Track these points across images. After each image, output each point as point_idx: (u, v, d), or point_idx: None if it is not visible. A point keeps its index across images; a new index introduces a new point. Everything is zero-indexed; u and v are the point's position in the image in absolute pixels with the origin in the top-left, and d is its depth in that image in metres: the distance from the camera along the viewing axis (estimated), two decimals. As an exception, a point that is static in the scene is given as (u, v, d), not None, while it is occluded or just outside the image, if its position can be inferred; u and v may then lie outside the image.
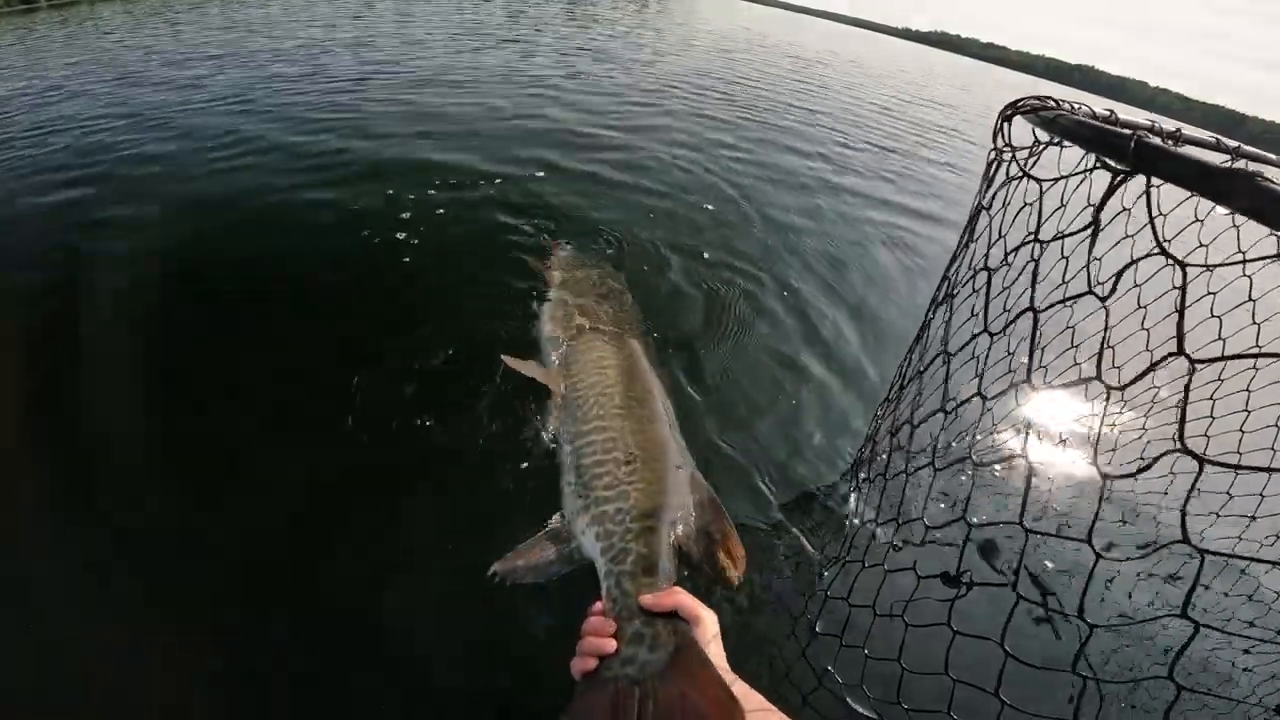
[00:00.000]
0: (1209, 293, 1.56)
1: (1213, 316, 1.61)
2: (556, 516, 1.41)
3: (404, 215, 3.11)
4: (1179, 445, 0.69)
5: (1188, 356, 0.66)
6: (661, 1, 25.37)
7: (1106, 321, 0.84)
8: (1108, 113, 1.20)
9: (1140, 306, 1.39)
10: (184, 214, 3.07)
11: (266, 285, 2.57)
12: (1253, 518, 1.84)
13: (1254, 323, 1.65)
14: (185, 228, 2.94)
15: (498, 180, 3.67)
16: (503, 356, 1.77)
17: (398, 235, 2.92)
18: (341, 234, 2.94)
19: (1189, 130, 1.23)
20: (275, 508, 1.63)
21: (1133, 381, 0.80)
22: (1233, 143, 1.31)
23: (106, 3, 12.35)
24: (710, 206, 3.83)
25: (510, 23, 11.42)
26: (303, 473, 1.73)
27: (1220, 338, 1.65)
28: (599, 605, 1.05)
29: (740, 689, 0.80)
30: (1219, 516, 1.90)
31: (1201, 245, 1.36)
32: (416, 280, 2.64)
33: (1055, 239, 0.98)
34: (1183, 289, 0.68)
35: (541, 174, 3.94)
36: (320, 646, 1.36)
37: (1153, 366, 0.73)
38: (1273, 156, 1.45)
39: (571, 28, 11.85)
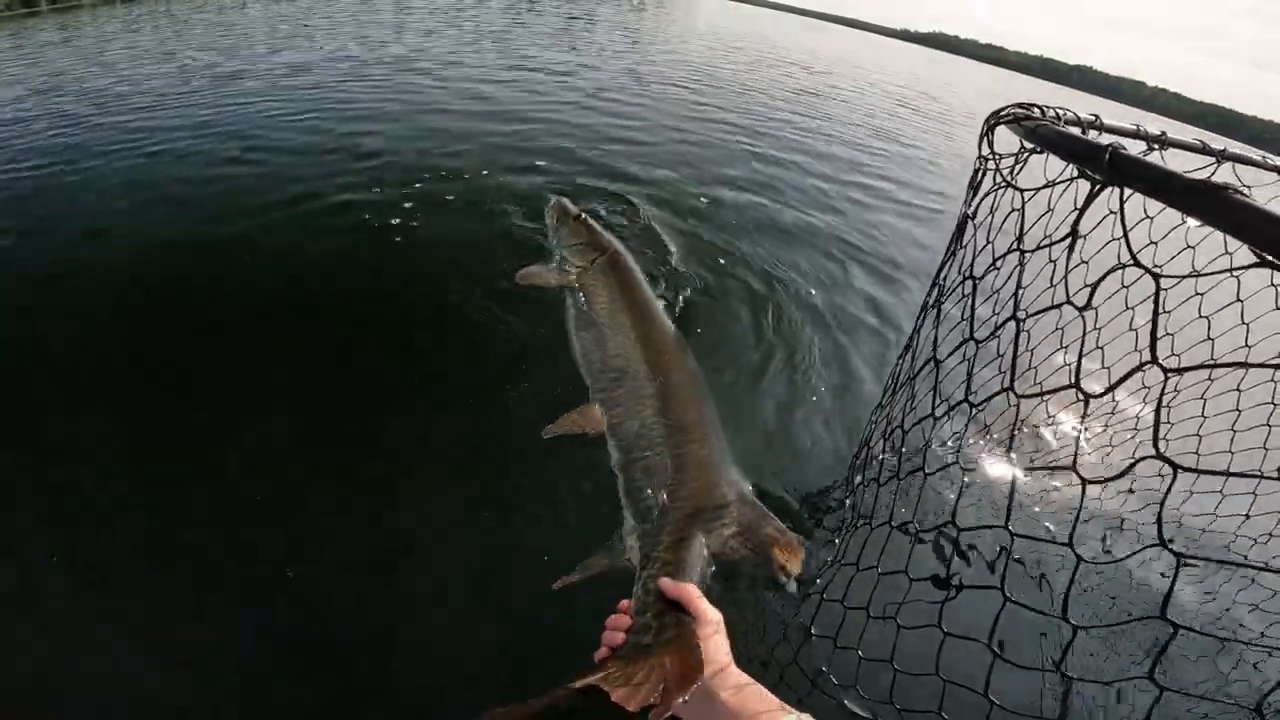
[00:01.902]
0: (1196, 293, 1.58)
1: (1200, 318, 1.63)
2: (616, 534, 1.57)
3: (407, 204, 3.16)
4: (1155, 451, 0.71)
5: (1160, 366, 0.68)
6: (660, 4, 25.43)
7: (1084, 330, 0.86)
8: (1092, 118, 1.21)
9: (1128, 308, 1.40)
10: (184, 216, 3.10)
11: (268, 285, 2.60)
12: (1246, 516, 1.85)
13: (1243, 323, 1.66)
14: (184, 231, 2.96)
15: (503, 178, 3.74)
16: (544, 434, 1.83)
17: (400, 235, 2.96)
18: (344, 231, 2.99)
19: (1177, 132, 1.24)
20: (278, 506, 1.65)
21: (1106, 391, 0.82)
22: (1219, 146, 1.33)
23: (108, 6, 12.37)
24: (705, 201, 3.86)
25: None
26: (306, 472, 1.75)
27: (1209, 338, 1.66)
28: (625, 604, 1.14)
29: (737, 678, 0.83)
30: (1216, 516, 1.92)
31: (1189, 247, 1.38)
32: (420, 282, 2.67)
33: (1038, 248, 1.00)
34: (1155, 299, 0.70)
35: (542, 163, 4.02)
36: (321, 647, 1.38)
37: (1126, 376, 0.75)
38: (1256, 157, 1.46)
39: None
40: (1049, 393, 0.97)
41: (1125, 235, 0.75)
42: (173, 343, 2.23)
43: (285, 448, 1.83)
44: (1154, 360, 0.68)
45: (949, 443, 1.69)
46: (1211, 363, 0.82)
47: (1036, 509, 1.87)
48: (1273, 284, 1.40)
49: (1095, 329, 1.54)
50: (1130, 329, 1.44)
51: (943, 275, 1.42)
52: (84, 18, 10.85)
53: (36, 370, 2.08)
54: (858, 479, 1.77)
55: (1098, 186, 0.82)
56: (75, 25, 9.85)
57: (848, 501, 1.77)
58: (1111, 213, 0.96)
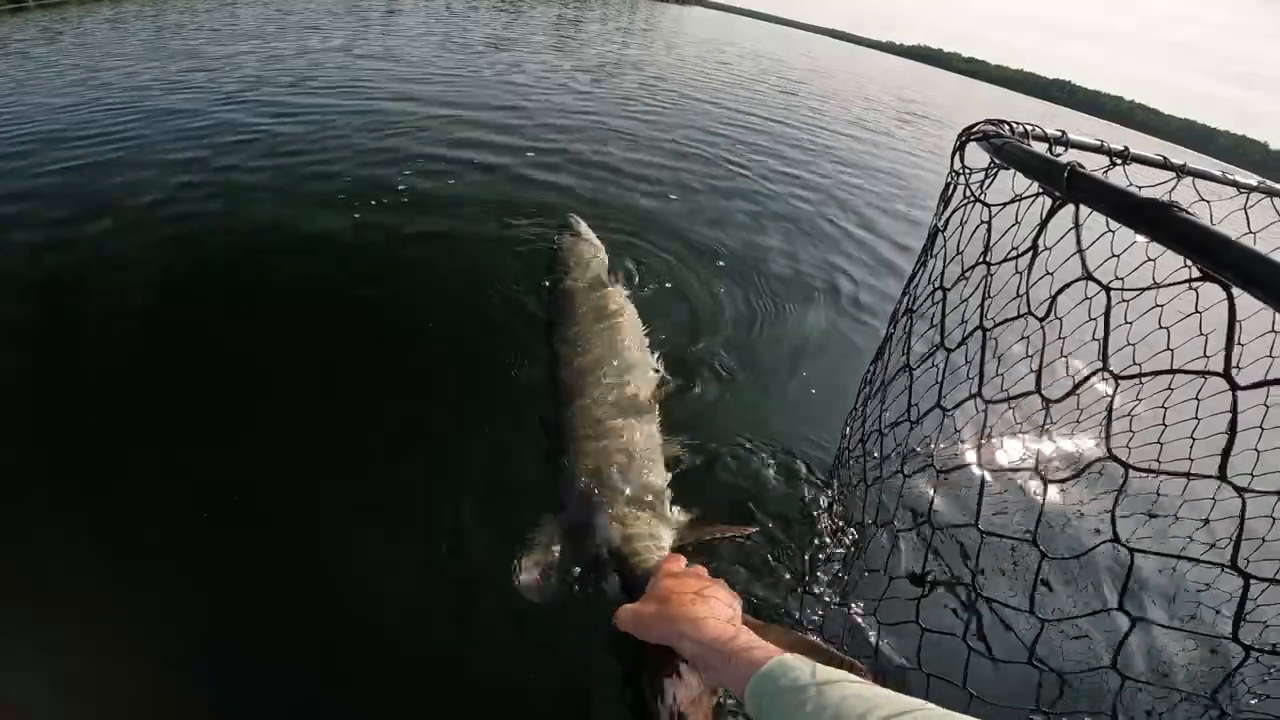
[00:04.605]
0: (1157, 305, 1.66)
1: (1160, 329, 1.70)
2: None
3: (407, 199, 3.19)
4: (1107, 453, 0.75)
5: (1111, 373, 0.73)
6: (651, 19, 25.70)
7: (1044, 341, 0.91)
8: (1059, 133, 1.27)
9: (1090, 319, 1.47)
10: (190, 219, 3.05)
11: (270, 283, 2.59)
12: (1206, 520, 1.94)
13: (1200, 334, 1.74)
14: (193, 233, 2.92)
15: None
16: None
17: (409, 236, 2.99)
18: (341, 227, 3.00)
19: (1141, 147, 1.31)
20: (280, 507, 1.64)
21: (1064, 396, 0.87)
22: (1179, 161, 1.39)
23: (98, 3, 12.17)
24: (689, 204, 3.91)
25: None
26: (309, 476, 1.73)
27: (1169, 349, 1.73)
28: None
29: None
30: (1176, 519, 2.01)
31: (1149, 260, 1.45)
32: (436, 291, 2.68)
33: (1004, 260, 1.05)
34: (1107, 311, 0.75)
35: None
36: (322, 649, 1.36)
37: (1081, 382, 0.80)
38: (1217, 173, 1.54)
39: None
40: (1014, 398, 1.02)
41: (1080, 250, 0.80)
42: (177, 344, 2.21)
43: (291, 452, 1.81)
44: (1105, 367, 0.73)
45: (919, 448, 1.75)
46: (1158, 370, 0.87)
47: (1004, 508, 1.94)
48: (1228, 298, 1.47)
49: (1059, 339, 1.61)
50: (1093, 339, 1.50)
51: (914, 285, 1.47)
52: (71, 14, 10.66)
53: (39, 371, 2.05)
54: (836, 482, 1.82)
55: (1057, 203, 0.87)
56: (70, 23, 9.68)
57: (824, 503, 1.81)
58: (1076, 226, 1.02)
